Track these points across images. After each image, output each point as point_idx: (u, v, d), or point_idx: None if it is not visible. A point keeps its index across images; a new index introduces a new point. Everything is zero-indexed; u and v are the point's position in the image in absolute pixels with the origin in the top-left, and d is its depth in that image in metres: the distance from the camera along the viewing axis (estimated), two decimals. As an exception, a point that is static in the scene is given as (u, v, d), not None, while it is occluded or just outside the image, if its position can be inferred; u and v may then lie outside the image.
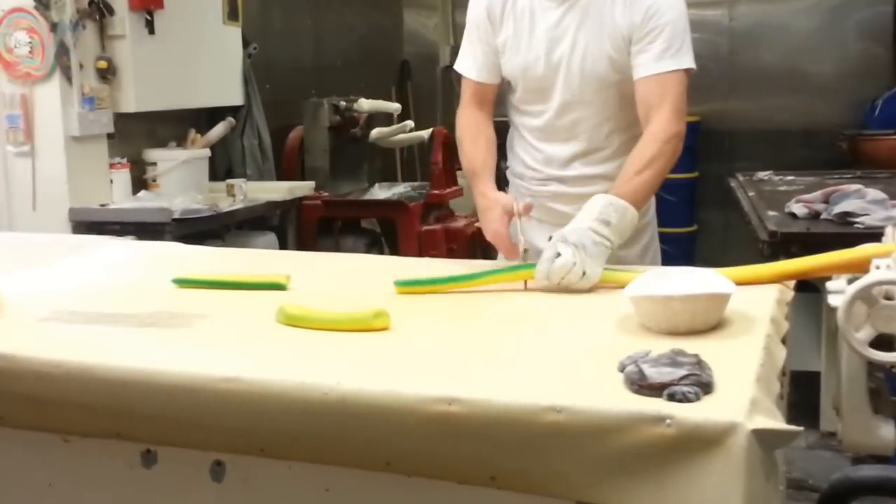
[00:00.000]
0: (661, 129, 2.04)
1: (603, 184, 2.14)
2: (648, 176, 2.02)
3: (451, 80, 6.03)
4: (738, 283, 1.60)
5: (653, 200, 2.34)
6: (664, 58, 2.06)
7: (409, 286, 1.84)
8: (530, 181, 2.31)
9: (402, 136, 4.92)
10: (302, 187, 4.38)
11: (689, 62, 2.10)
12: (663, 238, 2.44)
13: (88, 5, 3.59)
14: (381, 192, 4.83)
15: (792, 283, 1.82)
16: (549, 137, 2.25)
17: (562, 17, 2.14)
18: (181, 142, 4.12)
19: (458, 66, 2.30)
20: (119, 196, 3.68)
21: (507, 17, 2.19)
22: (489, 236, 2.07)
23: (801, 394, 2.17)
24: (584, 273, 1.76)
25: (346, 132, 4.69)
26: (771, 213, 2.92)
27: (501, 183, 2.29)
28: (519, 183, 2.35)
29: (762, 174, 3.84)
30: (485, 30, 2.22)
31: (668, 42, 2.07)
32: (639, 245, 2.30)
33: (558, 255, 1.77)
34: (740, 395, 1.19)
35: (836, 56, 5.52)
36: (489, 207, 2.09)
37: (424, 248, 4.38)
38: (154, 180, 3.90)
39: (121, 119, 3.77)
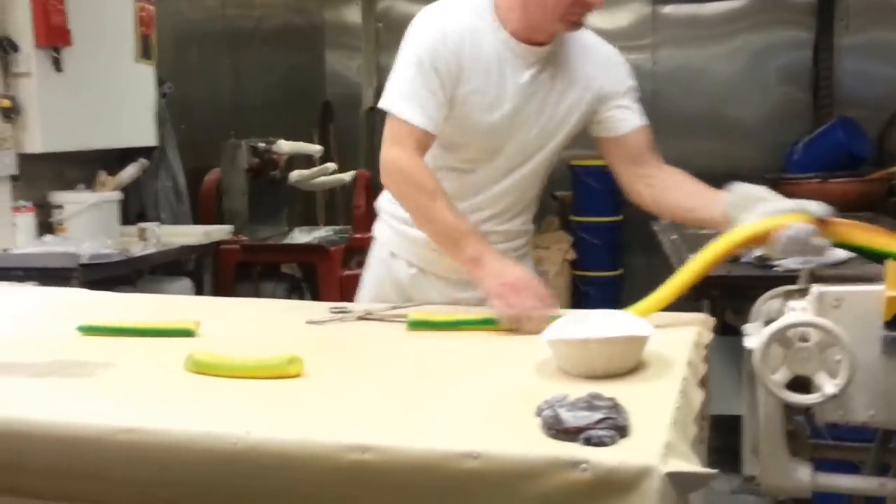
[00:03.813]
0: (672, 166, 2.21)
1: (504, 242, 2.16)
2: None
3: (375, 123, 6.03)
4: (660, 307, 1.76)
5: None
6: (640, 113, 2.18)
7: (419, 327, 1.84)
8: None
9: (323, 178, 4.87)
10: (219, 231, 4.29)
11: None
12: (588, 281, 2.44)
13: (-9, 42, 3.48)
14: (301, 236, 4.77)
15: (711, 325, 1.83)
16: (476, 193, 2.13)
17: (534, 76, 2.05)
18: (90, 184, 3.99)
19: (404, 113, 1.97)
20: (23, 240, 3.53)
21: (473, 68, 2.00)
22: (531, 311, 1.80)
23: (724, 438, 2.17)
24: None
25: (266, 174, 4.63)
26: (692, 256, 2.93)
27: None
28: (409, 231, 2.16)
29: (685, 217, 3.88)
30: (446, 78, 1.98)
31: (636, 100, 2.18)
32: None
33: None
34: (655, 439, 1.19)
35: (757, 100, 5.64)
36: (525, 280, 1.88)
37: (346, 293, 4.31)
38: (61, 224, 3.75)
39: (26, 160, 3.64)
